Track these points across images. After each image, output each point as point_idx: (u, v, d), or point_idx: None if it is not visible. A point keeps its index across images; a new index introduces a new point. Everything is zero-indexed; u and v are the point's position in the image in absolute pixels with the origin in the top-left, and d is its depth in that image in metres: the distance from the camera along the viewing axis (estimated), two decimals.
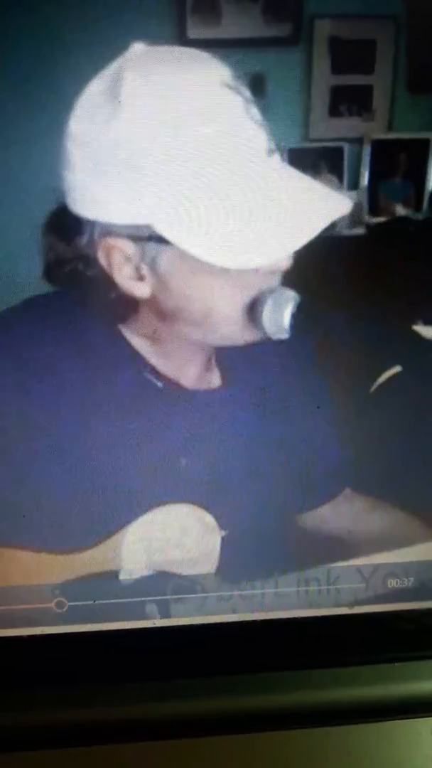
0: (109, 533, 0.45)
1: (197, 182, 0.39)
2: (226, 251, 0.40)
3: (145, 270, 0.41)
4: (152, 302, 0.43)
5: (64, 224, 0.40)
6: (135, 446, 0.44)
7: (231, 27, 0.40)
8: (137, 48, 0.38)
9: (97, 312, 0.43)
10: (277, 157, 0.41)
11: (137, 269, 0.41)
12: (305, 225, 0.40)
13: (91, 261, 0.41)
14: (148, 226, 0.39)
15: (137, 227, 0.40)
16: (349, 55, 0.42)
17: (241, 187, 0.39)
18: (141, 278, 0.41)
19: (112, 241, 0.40)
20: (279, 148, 0.41)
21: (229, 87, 0.39)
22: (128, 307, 0.43)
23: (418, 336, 0.46)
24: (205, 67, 0.39)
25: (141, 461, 0.44)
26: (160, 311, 0.43)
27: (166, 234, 0.39)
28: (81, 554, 0.45)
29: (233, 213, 0.39)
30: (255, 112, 0.39)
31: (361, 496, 0.47)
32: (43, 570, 0.45)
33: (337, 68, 0.42)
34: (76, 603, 0.46)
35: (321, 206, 0.41)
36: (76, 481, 0.44)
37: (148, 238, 0.40)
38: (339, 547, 0.47)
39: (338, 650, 0.47)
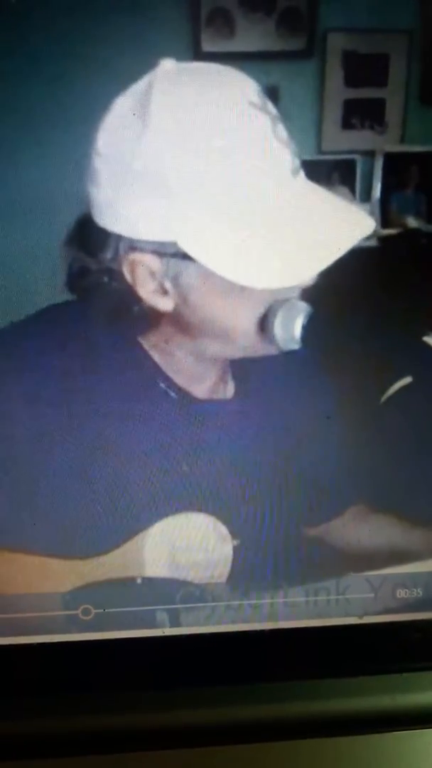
0: (121, 541, 0.45)
1: (223, 200, 0.39)
2: (251, 271, 0.40)
3: (168, 285, 0.41)
4: (174, 315, 0.43)
5: (90, 237, 0.40)
6: (148, 455, 0.44)
7: (245, 40, 0.40)
8: (166, 65, 0.38)
9: (117, 322, 0.43)
10: (302, 175, 0.41)
11: (161, 284, 0.41)
12: (330, 245, 0.40)
13: (115, 274, 0.41)
14: (173, 243, 0.40)
15: (162, 244, 0.40)
16: (362, 69, 0.42)
17: (267, 206, 0.40)
18: (165, 293, 0.42)
19: (136, 256, 0.40)
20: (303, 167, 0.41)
21: (256, 105, 0.39)
22: (149, 319, 0.43)
23: (428, 347, 0.46)
24: (234, 85, 0.39)
25: (155, 470, 0.45)
26: (181, 324, 0.43)
27: (191, 251, 0.39)
28: (92, 561, 0.45)
29: (259, 232, 0.40)
30: (281, 130, 0.40)
31: (372, 509, 0.48)
32: (53, 577, 0.46)
33: (350, 81, 0.42)
34: (99, 611, 0.46)
35: (346, 227, 0.41)
36: (89, 488, 0.44)
37: (172, 254, 0.40)
38: (349, 559, 0.47)
39: (347, 660, 0.47)
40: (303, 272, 0.41)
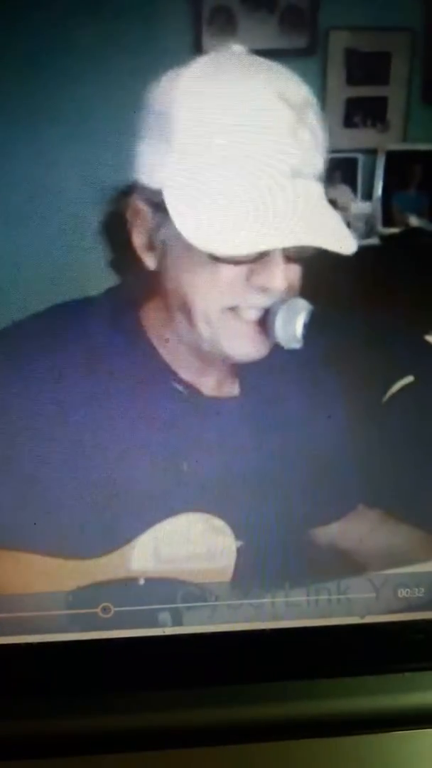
0: (125, 540, 0.45)
1: (215, 171, 0.39)
2: (212, 237, 0.40)
3: (154, 240, 0.42)
4: (159, 285, 0.43)
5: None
6: (152, 453, 0.44)
7: (247, 38, 0.40)
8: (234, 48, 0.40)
9: (120, 317, 0.44)
10: (302, 180, 0.41)
11: (150, 238, 0.42)
12: (300, 234, 0.40)
13: (121, 219, 0.42)
14: (159, 192, 0.40)
15: (153, 191, 0.40)
16: (365, 67, 0.42)
17: (256, 194, 0.40)
18: (151, 248, 0.42)
19: (136, 200, 0.41)
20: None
21: (286, 101, 0.39)
22: (144, 291, 0.44)
23: (430, 346, 0.46)
24: (262, 78, 0.40)
25: (160, 468, 0.45)
26: (166, 299, 0.43)
27: (168, 202, 0.40)
28: (97, 561, 0.45)
29: (238, 208, 0.40)
30: (303, 131, 0.40)
31: (375, 511, 0.47)
32: (54, 576, 0.46)
33: (352, 79, 0.42)
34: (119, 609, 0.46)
35: (324, 231, 0.41)
36: (93, 486, 0.44)
37: (159, 203, 0.41)
38: (352, 560, 0.47)
39: (348, 660, 0.47)
40: (256, 245, 0.41)
